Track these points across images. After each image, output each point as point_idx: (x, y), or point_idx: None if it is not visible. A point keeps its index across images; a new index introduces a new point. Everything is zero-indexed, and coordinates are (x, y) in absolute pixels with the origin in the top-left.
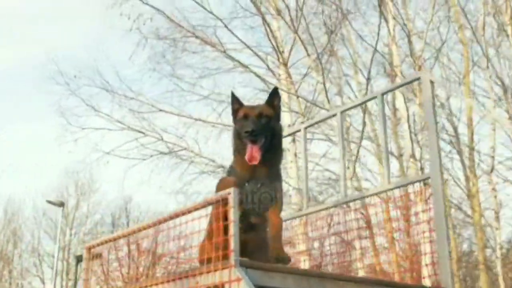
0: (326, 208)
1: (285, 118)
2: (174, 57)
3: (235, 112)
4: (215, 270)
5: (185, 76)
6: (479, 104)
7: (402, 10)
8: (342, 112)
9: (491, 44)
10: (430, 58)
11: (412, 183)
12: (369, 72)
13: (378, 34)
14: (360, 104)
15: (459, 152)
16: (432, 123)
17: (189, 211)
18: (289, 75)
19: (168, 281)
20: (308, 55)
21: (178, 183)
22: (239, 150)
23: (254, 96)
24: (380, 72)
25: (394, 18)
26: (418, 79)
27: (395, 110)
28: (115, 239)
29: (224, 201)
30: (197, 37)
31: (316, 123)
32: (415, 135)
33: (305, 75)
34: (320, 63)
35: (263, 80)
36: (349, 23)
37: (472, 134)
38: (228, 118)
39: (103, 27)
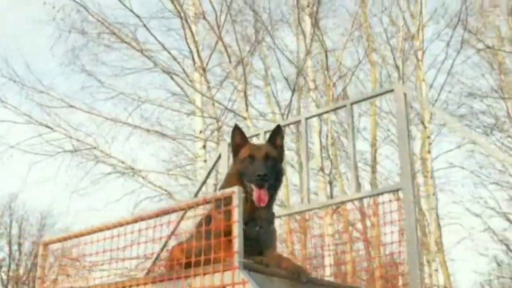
0: (296, 213)
1: (198, 123)
2: (91, 53)
3: (236, 148)
4: (215, 272)
5: (100, 73)
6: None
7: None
8: (307, 118)
9: (397, 66)
10: (343, 76)
11: (381, 193)
12: (295, 84)
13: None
14: (326, 112)
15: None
16: (405, 135)
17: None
18: (206, 80)
19: (154, 282)
20: (230, 61)
21: (82, 183)
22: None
23: (167, 99)
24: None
25: (313, 34)
26: (392, 91)
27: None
28: (76, 236)
29: (226, 200)
30: (114, 34)
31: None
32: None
33: (223, 80)
34: (244, 71)
35: (177, 83)
36: (270, 35)
37: (375, 152)
38: (138, 119)
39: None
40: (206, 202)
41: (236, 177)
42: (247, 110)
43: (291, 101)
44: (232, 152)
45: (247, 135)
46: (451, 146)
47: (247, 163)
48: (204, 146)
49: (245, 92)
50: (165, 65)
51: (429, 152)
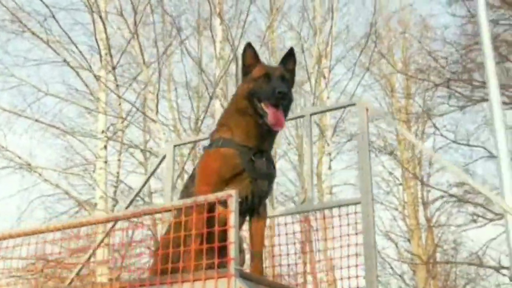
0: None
1: (101, 122)
2: None
3: (248, 68)
4: (207, 279)
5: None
6: None
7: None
8: (311, 114)
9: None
10: None
11: (339, 206)
12: (213, 91)
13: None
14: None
15: None
16: (366, 149)
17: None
18: (115, 78)
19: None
20: (144, 62)
21: None
22: (245, 113)
23: (69, 94)
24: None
25: (226, 40)
26: (354, 104)
27: None
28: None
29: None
30: (21, 22)
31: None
32: None
33: (133, 79)
34: (159, 74)
35: (82, 79)
36: (180, 39)
37: None
38: (38, 112)
39: None
40: (197, 205)
41: (247, 96)
42: (157, 113)
43: (195, 109)
44: (242, 71)
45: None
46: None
47: (262, 81)
48: (105, 147)
49: (157, 95)
50: (72, 60)
51: (329, 168)
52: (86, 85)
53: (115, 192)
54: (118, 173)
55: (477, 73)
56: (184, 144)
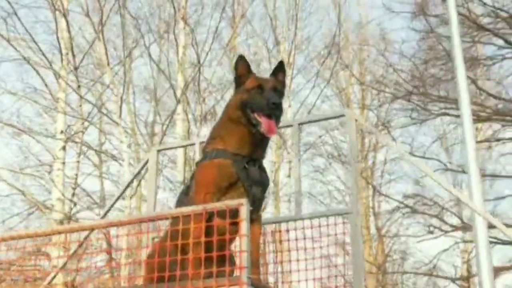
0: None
1: (60, 122)
2: None
3: (240, 79)
4: (219, 287)
5: None
6: None
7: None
8: (299, 124)
9: None
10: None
11: (327, 216)
12: (181, 95)
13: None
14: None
15: None
16: (355, 160)
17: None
18: (77, 78)
19: None
20: (108, 64)
21: None
22: (238, 122)
23: (28, 94)
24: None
25: (191, 45)
26: (343, 116)
27: None
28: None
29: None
30: None
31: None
32: None
33: (96, 81)
34: (125, 76)
35: (42, 78)
36: (144, 42)
37: None
38: None
39: None
40: (206, 212)
41: (240, 107)
42: (120, 115)
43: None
44: (235, 82)
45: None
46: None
47: (256, 93)
48: (64, 148)
49: (121, 97)
50: (33, 58)
51: (288, 176)
52: (46, 84)
53: (73, 194)
54: (76, 175)
55: (434, 87)
56: (167, 149)
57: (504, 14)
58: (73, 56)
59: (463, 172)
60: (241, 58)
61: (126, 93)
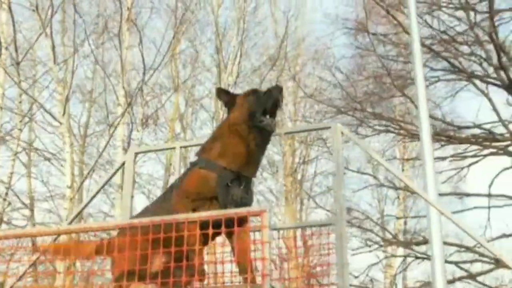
0: None
1: None
2: None
3: (229, 103)
4: None
5: None
6: None
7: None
8: (285, 133)
9: None
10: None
11: (311, 226)
12: (130, 102)
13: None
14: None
15: None
16: (341, 171)
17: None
18: (18, 73)
19: None
20: (55, 62)
21: None
22: (239, 136)
23: None
24: None
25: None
26: (329, 127)
27: None
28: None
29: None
30: None
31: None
32: None
33: (38, 78)
34: (72, 75)
35: None
36: (89, 44)
37: None
38: None
39: None
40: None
41: (245, 118)
42: (63, 114)
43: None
44: (227, 108)
45: None
46: None
47: (254, 99)
48: None
49: (67, 97)
50: None
51: None
52: None
53: (6, 193)
54: (12, 173)
55: (371, 105)
56: (145, 152)
57: (445, 37)
58: (16, 51)
59: (395, 188)
60: (219, 89)
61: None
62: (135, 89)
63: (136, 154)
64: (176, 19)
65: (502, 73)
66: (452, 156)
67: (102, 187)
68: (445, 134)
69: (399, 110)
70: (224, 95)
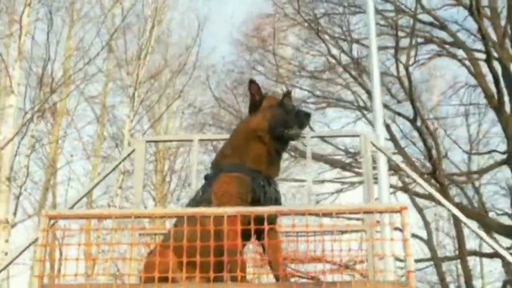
0: None
1: None
2: None
3: (255, 101)
4: None
5: None
6: None
7: None
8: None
9: None
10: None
11: (341, 232)
12: None
13: None
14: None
15: None
16: (370, 178)
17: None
18: None
19: None
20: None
21: None
22: (260, 141)
23: None
24: None
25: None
26: (358, 136)
27: None
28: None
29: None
30: None
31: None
32: None
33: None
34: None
35: None
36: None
37: None
38: None
39: None
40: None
41: (265, 126)
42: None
43: None
44: (251, 105)
45: None
46: None
47: (279, 115)
48: None
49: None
50: None
51: None
52: None
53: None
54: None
55: None
56: (157, 141)
57: None
58: None
59: None
60: (253, 82)
61: None
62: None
63: (147, 142)
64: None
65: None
66: None
67: (109, 173)
68: None
69: None
70: (255, 91)
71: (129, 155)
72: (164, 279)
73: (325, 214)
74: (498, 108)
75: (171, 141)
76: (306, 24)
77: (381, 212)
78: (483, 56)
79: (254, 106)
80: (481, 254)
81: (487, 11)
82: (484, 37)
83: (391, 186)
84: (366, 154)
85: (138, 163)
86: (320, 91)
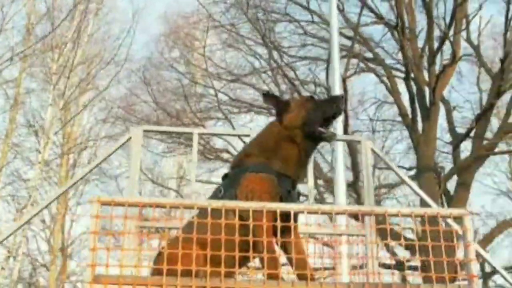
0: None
1: None
2: None
3: (281, 107)
4: None
5: None
6: None
7: None
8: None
9: None
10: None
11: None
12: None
13: None
14: None
15: None
16: (370, 182)
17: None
18: None
19: None
20: None
21: None
22: (291, 141)
23: None
24: None
25: None
26: (359, 142)
27: None
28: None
29: None
30: None
31: None
32: None
33: None
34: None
35: None
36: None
37: None
38: None
39: None
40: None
41: (299, 123)
42: None
43: None
44: (278, 111)
45: None
46: None
47: (312, 109)
48: None
49: None
50: None
51: None
52: None
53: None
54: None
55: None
56: (154, 131)
57: None
58: None
59: None
60: (265, 95)
61: None
62: None
63: (145, 131)
64: None
65: None
66: None
67: (103, 160)
68: None
69: None
70: (272, 100)
71: (124, 143)
72: (188, 273)
73: (378, 215)
74: (411, 126)
75: (169, 132)
76: (228, 27)
77: (444, 217)
78: (402, 74)
79: (282, 111)
80: None
81: (406, 32)
82: (406, 57)
83: None
84: (366, 160)
85: (134, 152)
86: (236, 96)
